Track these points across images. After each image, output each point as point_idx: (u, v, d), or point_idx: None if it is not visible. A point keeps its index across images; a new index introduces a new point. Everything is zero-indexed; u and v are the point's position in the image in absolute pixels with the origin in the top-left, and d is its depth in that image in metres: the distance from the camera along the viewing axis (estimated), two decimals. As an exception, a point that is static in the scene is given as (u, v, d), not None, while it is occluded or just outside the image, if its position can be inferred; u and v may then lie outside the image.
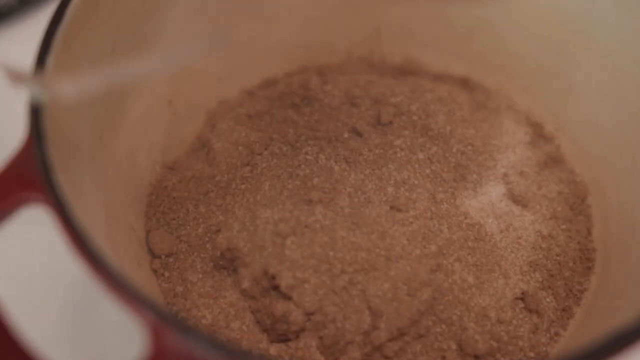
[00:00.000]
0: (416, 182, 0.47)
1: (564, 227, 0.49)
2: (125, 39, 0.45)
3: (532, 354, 0.44)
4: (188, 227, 0.48)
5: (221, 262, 0.45)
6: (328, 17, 0.56)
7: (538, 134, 0.54)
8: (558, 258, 0.48)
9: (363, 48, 0.59)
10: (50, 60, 0.37)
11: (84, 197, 0.38)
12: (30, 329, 0.36)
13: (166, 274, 0.46)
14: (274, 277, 0.43)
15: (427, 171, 0.48)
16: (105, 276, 0.31)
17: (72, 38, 0.39)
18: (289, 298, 0.43)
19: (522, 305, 0.46)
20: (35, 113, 0.35)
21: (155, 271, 0.46)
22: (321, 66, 0.59)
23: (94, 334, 0.49)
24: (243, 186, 0.48)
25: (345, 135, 0.50)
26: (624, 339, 0.30)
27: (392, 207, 0.46)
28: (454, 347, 0.44)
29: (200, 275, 0.46)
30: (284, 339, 0.44)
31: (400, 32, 0.58)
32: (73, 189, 0.36)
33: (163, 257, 0.47)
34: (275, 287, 0.43)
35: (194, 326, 0.41)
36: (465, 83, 0.57)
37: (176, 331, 0.30)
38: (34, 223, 0.44)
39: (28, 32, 0.62)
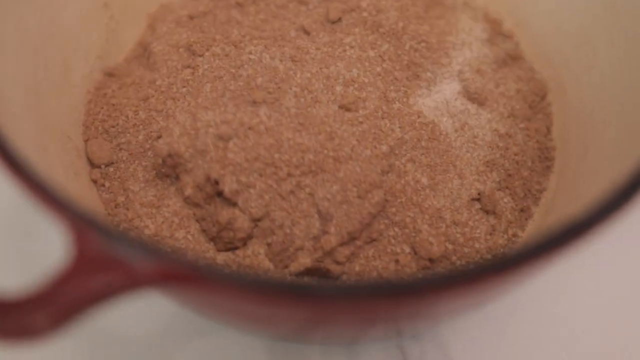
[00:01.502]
0: (366, 80, 0.45)
1: (522, 125, 0.47)
2: None
3: (489, 257, 0.43)
4: (128, 135, 0.45)
5: (163, 170, 0.43)
6: None
7: (496, 30, 0.52)
8: (516, 157, 0.46)
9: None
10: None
11: (9, 100, 0.35)
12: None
13: (106, 184, 0.44)
14: (217, 183, 0.41)
15: (379, 69, 0.46)
16: (22, 178, 0.29)
17: None
18: (233, 204, 0.41)
19: (478, 206, 0.44)
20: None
21: (95, 181, 0.44)
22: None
23: (13, 241, 0.46)
24: (184, 89, 0.45)
25: (292, 34, 0.47)
26: (575, 231, 0.28)
27: (340, 107, 0.43)
28: (407, 250, 0.42)
29: (142, 184, 0.44)
30: (231, 247, 0.42)
31: None
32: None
33: (102, 166, 0.44)
34: (220, 194, 0.41)
35: (114, 226, 0.39)
36: (419, -20, 0.54)
37: (96, 230, 0.28)
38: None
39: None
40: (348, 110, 0.43)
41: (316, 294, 0.27)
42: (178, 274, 0.28)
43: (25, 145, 0.35)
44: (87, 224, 0.28)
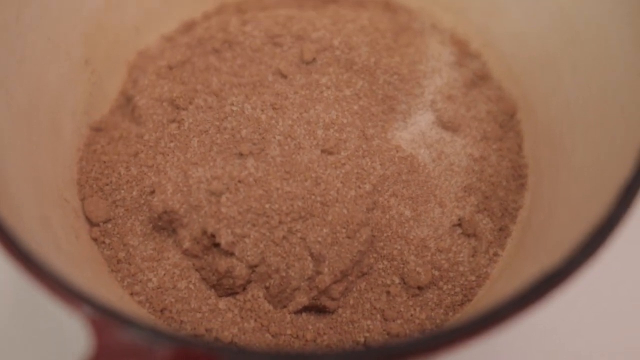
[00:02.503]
0: (345, 120, 0.47)
1: (495, 146, 0.50)
2: (29, 6, 0.43)
3: (473, 278, 0.46)
4: (122, 191, 0.47)
5: (160, 224, 0.45)
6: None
7: (464, 52, 0.54)
8: (491, 179, 0.49)
9: (280, -22, 0.57)
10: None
11: (9, 186, 0.37)
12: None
13: (107, 241, 0.46)
14: (213, 236, 0.43)
15: (355, 107, 0.48)
16: (41, 278, 0.31)
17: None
18: (231, 254, 0.43)
19: (459, 231, 0.47)
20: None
21: (95, 240, 0.46)
22: (239, 3, 0.57)
23: (35, 334, 0.49)
24: (172, 144, 0.47)
25: (270, 78, 0.49)
26: (551, 282, 0.31)
27: (323, 151, 0.45)
28: (397, 281, 0.45)
29: (141, 239, 0.46)
30: (231, 292, 0.45)
31: (316, -42, 0.56)
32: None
33: (101, 224, 0.46)
34: (217, 244, 0.43)
35: (134, 317, 0.42)
36: (387, 5, 0.56)
37: (117, 324, 0.30)
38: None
39: None
40: (330, 153, 0.45)
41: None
42: (196, 357, 0.30)
43: (30, 221, 0.37)
44: (105, 315, 0.31)
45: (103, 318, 0.30)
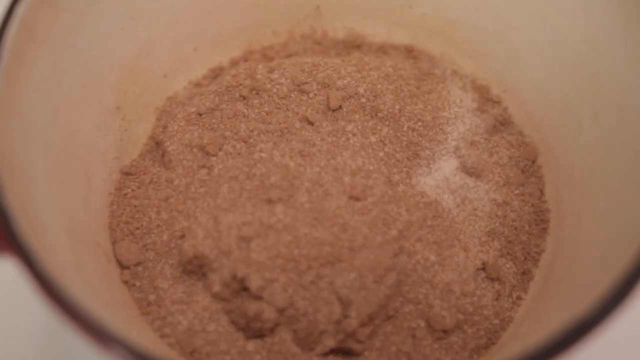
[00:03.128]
0: (371, 167, 0.48)
1: (517, 191, 0.51)
2: (65, 55, 0.45)
3: (497, 321, 0.46)
4: (153, 235, 0.48)
5: (189, 267, 0.46)
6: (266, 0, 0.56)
7: (485, 97, 0.55)
8: (514, 223, 0.50)
9: (305, 26, 0.59)
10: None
11: (46, 233, 0.38)
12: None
13: (137, 284, 0.47)
14: (243, 280, 0.44)
15: (381, 154, 0.49)
16: (79, 322, 0.32)
17: (12, 74, 0.39)
18: (260, 298, 0.44)
19: (483, 275, 0.48)
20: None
21: (126, 282, 0.47)
22: (265, 48, 0.59)
23: None
24: (202, 190, 0.48)
25: (297, 125, 0.50)
26: (580, 331, 0.32)
27: (350, 197, 0.46)
28: (422, 324, 0.46)
29: (171, 282, 0.47)
30: (259, 335, 0.45)
31: (339, 6, 0.58)
32: (35, 231, 0.36)
33: (132, 267, 0.48)
34: (246, 288, 0.44)
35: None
36: (409, 51, 0.58)
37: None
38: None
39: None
40: (357, 199, 0.46)
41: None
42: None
43: (66, 266, 0.39)
44: (137, 358, 0.32)
45: (139, 363, 0.31)
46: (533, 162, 0.52)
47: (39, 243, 0.35)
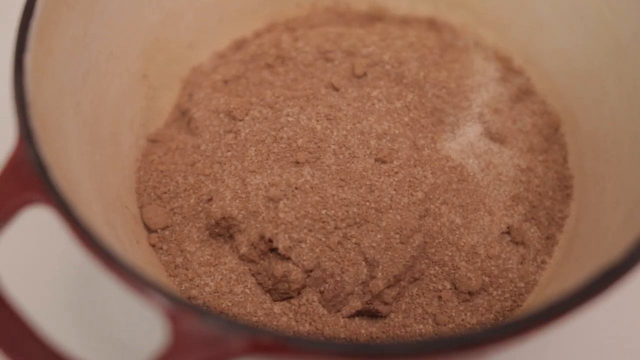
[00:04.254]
0: (397, 131, 0.48)
1: (540, 158, 0.51)
2: (94, 20, 0.45)
3: (522, 284, 0.47)
4: (180, 199, 0.49)
5: (217, 230, 0.47)
6: (290, -29, 0.57)
7: (507, 67, 0.55)
8: (538, 189, 0.50)
9: (328, -2, 0.59)
10: (28, 58, 0.38)
11: (79, 188, 0.39)
12: (47, 328, 0.37)
13: (164, 247, 0.48)
14: (270, 241, 0.44)
15: (406, 119, 0.49)
16: (119, 271, 0.32)
17: (45, 31, 0.40)
18: (287, 258, 0.44)
19: (508, 238, 0.48)
20: (24, 115, 0.36)
21: (153, 245, 0.48)
22: (288, 20, 0.59)
23: (109, 326, 0.50)
24: (229, 153, 0.49)
25: (323, 91, 0.50)
26: (610, 276, 0.32)
27: (376, 160, 0.47)
28: (448, 286, 0.46)
29: (198, 245, 0.47)
30: (286, 297, 0.46)
31: (362, -22, 0.58)
32: (69, 184, 0.37)
33: (159, 230, 0.48)
34: (273, 249, 0.45)
35: (210, 309, 0.43)
36: (432, 24, 0.58)
37: (193, 314, 0.31)
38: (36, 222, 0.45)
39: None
40: (383, 162, 0.47)
41: (389, 353, 0.31)
42: (268, 346, 0.31)
43: (100, 227, 0.39)
44: (181, 306, 0.32)
45: (179, 309, 0.32)
46: (556, 129, 0.53)
47: (75, 195, 0.36)
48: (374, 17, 0.59)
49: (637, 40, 0.45)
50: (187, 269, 0.47)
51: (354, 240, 0.44)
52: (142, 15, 0.50)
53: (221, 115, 0.51)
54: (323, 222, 0.44)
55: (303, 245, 0.44)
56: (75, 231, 0.34)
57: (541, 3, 0.52)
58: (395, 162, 0.47)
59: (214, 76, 0.54)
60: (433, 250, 0.46)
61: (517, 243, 0.48)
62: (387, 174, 0.46)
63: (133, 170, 0.50)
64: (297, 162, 0.46)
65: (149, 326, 0.49)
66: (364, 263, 0.44)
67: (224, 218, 0.46)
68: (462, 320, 0.46)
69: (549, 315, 0.31)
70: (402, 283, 0.45)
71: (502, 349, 0.31)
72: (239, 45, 0.58)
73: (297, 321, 0.45)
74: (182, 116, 0.54)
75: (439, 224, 0.47)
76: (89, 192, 0.41)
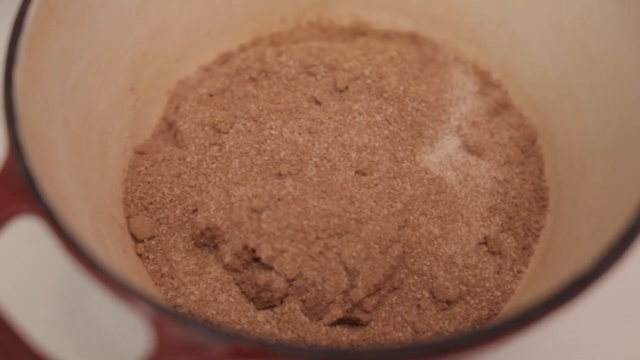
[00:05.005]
0: (377, 144, 0.50)
1: (517, 170, 0.53)
2: (83, 33, 0.47)
3: (498, 293, 0.48)
4: (166, 210, 0.50)
5: (202, 240, 0.48)
6: (275, -13, 0.58)
7: (486, 81, 0.57)
8: (515, 200, 0.51)
9: (311, 14, 0.61)
10: (18, 73, 0.39)
11: (67, 198, 0.40)
12: (34, 333, 0.38)
13: (151, 257, 0.49)
14: (254, 251, 0.46)
15: (386, 132, 0.51)
16: (104, 280, 0.33)
17: (34, 46, 0.41)
18: (270, 268, 0.45)
19: (485, 249, 0.49)
20: (13, 128, 0.37)
21: (140, 255, 0.49)
22: (273, 35, 0.60)
23: (95, 332, 0.51)
24: (214, 165, 0.50)
25: (305, 105, 0.52)
26: (578, 285, 0.33)
27: (357, 172, 0.48)
28: (427, 295, 0.47)
29: (184, 254, 0.49)
30: (269, 305, 0.47)
31: (345, -6, 0.60)
32: (57, 195, 0.38)
33: (145, 240, 0.49)
34: (256, 259, 0.46)
35: (193, 316, 0.44)
36: (413, 38, 0.60)
37: (176, 321, 0.33)
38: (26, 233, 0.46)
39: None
40: (364, 174, 0.48)
41: (368, 359, 0.32)
42: (248, 352, 0.32)
43: (88, 237, 0.40)
44: (164, 314, 0.33)
45: (163, 317, 0.33)
46: (533, 142, 0.54)
47: (62, 205, 0.37)
48: (357, 32, 0.61)
49: (608, 56, 0.46)
50: (172, 278, 0.48)
51: (334, 250, 0.45)
52: (130, 29, 0.52)
53: (206, 127, 0.52)
54: (305, 232, 0.45)
55: (285, 255, 0.45)
56: (62, 241, 0.35)
57: (518, 19, 0.54)
58: (375, 174, 0.48)
59: (200, 89, 0.55)
60: (412, 260, 0.47)
61: (493, 253, 0.49)
62: (367, 185, 0.48)
63: (120, 181, 0.51)
64: (280, 174, 0.48)
65: (134, 333, 0.50)
66: (344, 272, 0.45)
67: (208, 228, 0.47)
68: (440, 328, 0.47)
69: (522, 322, 0.32)
70: (382, 292, 0.46)
71: (478, 354, 0.32)
72: (225, 59, 0.59)
73: (279, 329, 0.47)
74: (169, 128, 0.55)
75: (417, 234, 0.48)
76: (77, 202, 0.42)
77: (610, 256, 0.34)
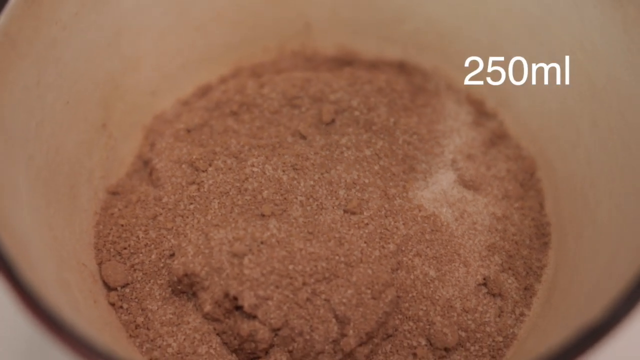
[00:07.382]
0: (366, 180, 0.47)
1: (516, 205, 0.50)
2: (49, 69, 0.44)
3: (500, 338, 0.45)
4: (141, 255, 0.46)
5: (179, 287, 0.44)
6: (255, 16, 0.55)
7: (480, 111, 0.54)
8: (515, 237, 0.48)
9: (295, 42, 0.58)
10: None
11: (29, 248, 0.37)
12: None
13: (125, 306, 0.45)
14: (235, 298, 0.42)
15: (376, 167, 0.48)
16: (66, 339, 0.30)
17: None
18: (253, 317, 0.42)
19: (485, 290, 0.46)
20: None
21: (112, 304, 0.45)
22: (255, 66, 0.58)
23: None
24: (192, 206, 0.47)
25: (289, 139, 0.49)
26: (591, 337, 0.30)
27: (345, 211, 0.45)
28: (423, 342, 0.44)
29: (160, 303, 0.45)
30: (253, 357, 0.44)
31: (329, 22, 0.57)
32: (17, 244, 0.35)
33: (119, 288, 0.46)
34: (239, 307, 0.43)
35: None
36: (401, 67, 0.57)
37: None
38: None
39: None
40: (353, 213, 0.45)
41: None
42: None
43: (50, 284, 0.37)
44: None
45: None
46: (532, 175, 0.51)
47: (21, 256, 0.34)
48: (343, 61, 0.58)
49: (612, 83, 0.43)
50: (148, 329, 0.44)
51: (323, 296, 0.42)
52: (99, 62, 0.49)
53: (184, 165, 0.49)
54: (290, 277, 0.42)
55: (270, 302, 0.42)
56: (19, 295, 0.31)
57: (511, 44, 0.51)
58: (365, 213, 0.45)
59: (177, 124, 0.52)
60: (407, 304, 0.44)
61: (494, 295, 0.46)
62: (357, 225, 0.45)
63: (91, 225, 0.48)
64: (263, 215, 0.44)
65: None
66: (334, 320, 0.42)
67: (186, 275, 0.43)
68: (439, 378, 0.44)
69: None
70: (375, 340, 0.43)
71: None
72: (204, 91, 0.56)
73: (265, 383, 0.43)
74: (144, 166, 0.52)
75: (412, 277, 0.45)
76: (41, 250, 0.39)
77: (628, 302, 0.31)
